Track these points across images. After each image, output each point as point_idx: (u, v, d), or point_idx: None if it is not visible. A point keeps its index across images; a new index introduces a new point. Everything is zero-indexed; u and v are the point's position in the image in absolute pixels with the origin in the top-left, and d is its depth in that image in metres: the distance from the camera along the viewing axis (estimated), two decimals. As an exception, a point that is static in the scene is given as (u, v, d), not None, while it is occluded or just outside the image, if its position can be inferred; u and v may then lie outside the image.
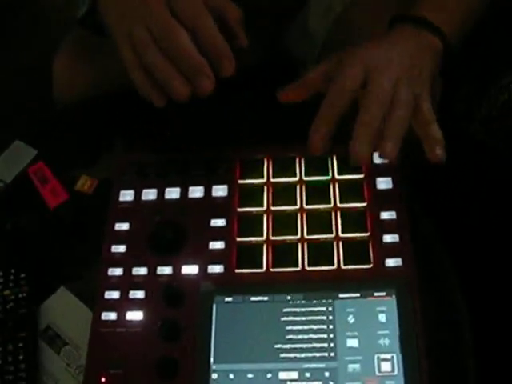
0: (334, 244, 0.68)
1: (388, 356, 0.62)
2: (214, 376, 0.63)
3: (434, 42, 0.67)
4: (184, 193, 0.73)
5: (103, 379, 0.64)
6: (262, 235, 0.69)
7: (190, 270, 0.68)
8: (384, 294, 0.64)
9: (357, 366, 0.62)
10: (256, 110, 0.80)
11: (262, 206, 0.71)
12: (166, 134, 0.77)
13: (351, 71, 0.64)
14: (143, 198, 0.73)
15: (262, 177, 0.73)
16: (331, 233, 0.68)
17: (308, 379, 0.62)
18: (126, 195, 0.74)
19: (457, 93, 0.92)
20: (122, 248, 0.70)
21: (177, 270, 0.68)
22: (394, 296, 0.64)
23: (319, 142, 0.63)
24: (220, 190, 0.72)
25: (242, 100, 0.81)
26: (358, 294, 0.65)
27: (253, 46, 0.70)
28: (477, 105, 0.95)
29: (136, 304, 0.67)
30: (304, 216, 0.70)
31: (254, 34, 0.70)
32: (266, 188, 0.72)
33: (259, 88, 0.73)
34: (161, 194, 0.73)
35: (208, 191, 0.72)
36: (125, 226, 0.72)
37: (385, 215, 0.69)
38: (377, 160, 0.71)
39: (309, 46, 0.95)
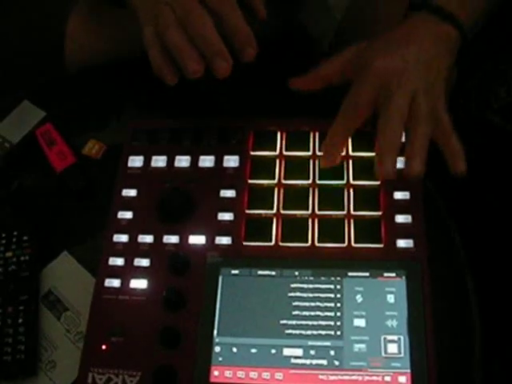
0: (346, 221, 0.67)
1: (395, 337, 0.61)
2: (217, 349, 0.62)
3: (450, 32, 0.66)
4: (194, 161, 0.71)
5: (104, 346, 0.63)
6: (272, 208, 0.68)
7: (196, 240, 0.67)
8: (394, 274, 0.63)
9: (363, 346, 0.61)
10: (271, 85, 0.79)
11: (273, 178, 0.70)
12: (178, 102, 0.76)
13: (366, 88, 0.63)
14: (153, 164, 0.72)
15: (275, 149, 0.71)
16: (343, 210, 0.67)
17: (313, 357, 0.61)
18: (135, 161, 0.72)
19: (469, 79, 0.91)
20: (128, 214, 0.69)
21: (183, 239, 0.67)
22: (403, 277, 0.63)
23: (331, 158, 0.66)
24: (231, 161, 0.71)
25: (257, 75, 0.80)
26: (368, 274, 0.64)
27: (269, 19, 0.69)
28: (493, 91, 0.94)
29: (140, 272, 0.66)
30: (316, 191, 0.68)
31: (270, 7, 0.69)
32: (278, 161, 0.71)
33: (274, 62, 0.72)
34: (171, 161, 0.72)
35: (219, 161, 0.71)
36: (132, 193, 0.71)
37: (398, 195, 0.68)
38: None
39: (327, 22, 0.93)
